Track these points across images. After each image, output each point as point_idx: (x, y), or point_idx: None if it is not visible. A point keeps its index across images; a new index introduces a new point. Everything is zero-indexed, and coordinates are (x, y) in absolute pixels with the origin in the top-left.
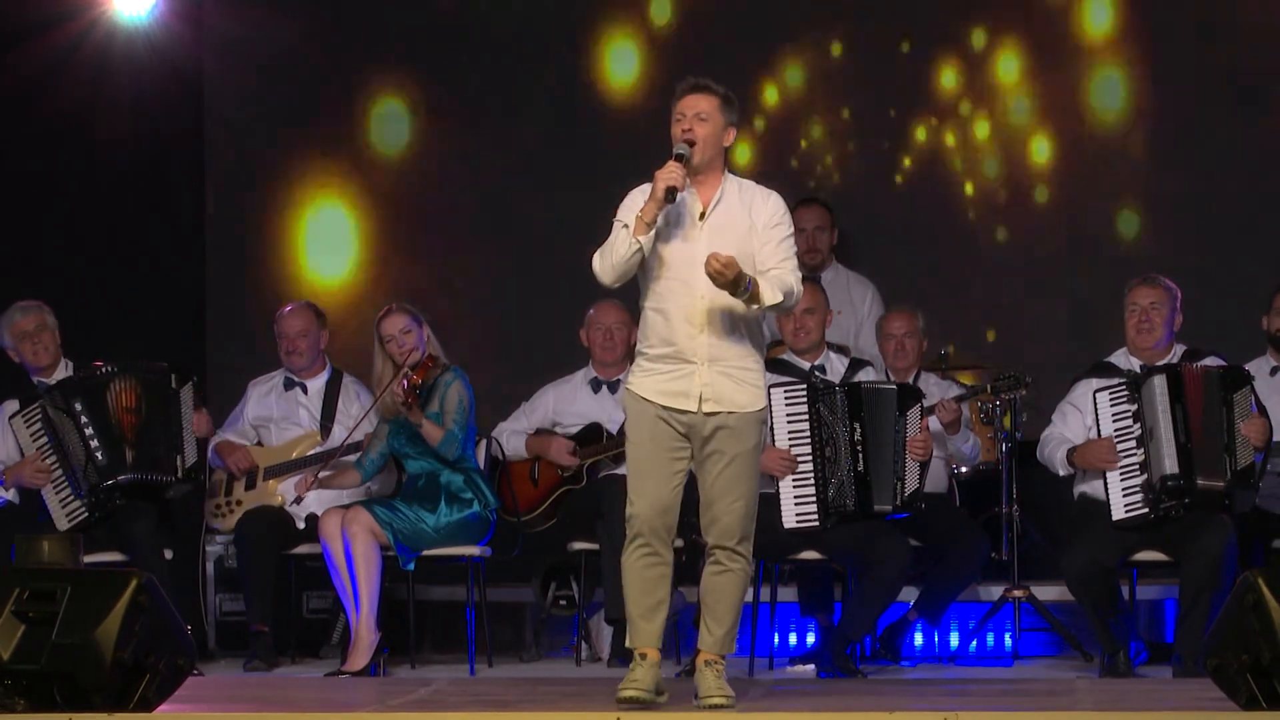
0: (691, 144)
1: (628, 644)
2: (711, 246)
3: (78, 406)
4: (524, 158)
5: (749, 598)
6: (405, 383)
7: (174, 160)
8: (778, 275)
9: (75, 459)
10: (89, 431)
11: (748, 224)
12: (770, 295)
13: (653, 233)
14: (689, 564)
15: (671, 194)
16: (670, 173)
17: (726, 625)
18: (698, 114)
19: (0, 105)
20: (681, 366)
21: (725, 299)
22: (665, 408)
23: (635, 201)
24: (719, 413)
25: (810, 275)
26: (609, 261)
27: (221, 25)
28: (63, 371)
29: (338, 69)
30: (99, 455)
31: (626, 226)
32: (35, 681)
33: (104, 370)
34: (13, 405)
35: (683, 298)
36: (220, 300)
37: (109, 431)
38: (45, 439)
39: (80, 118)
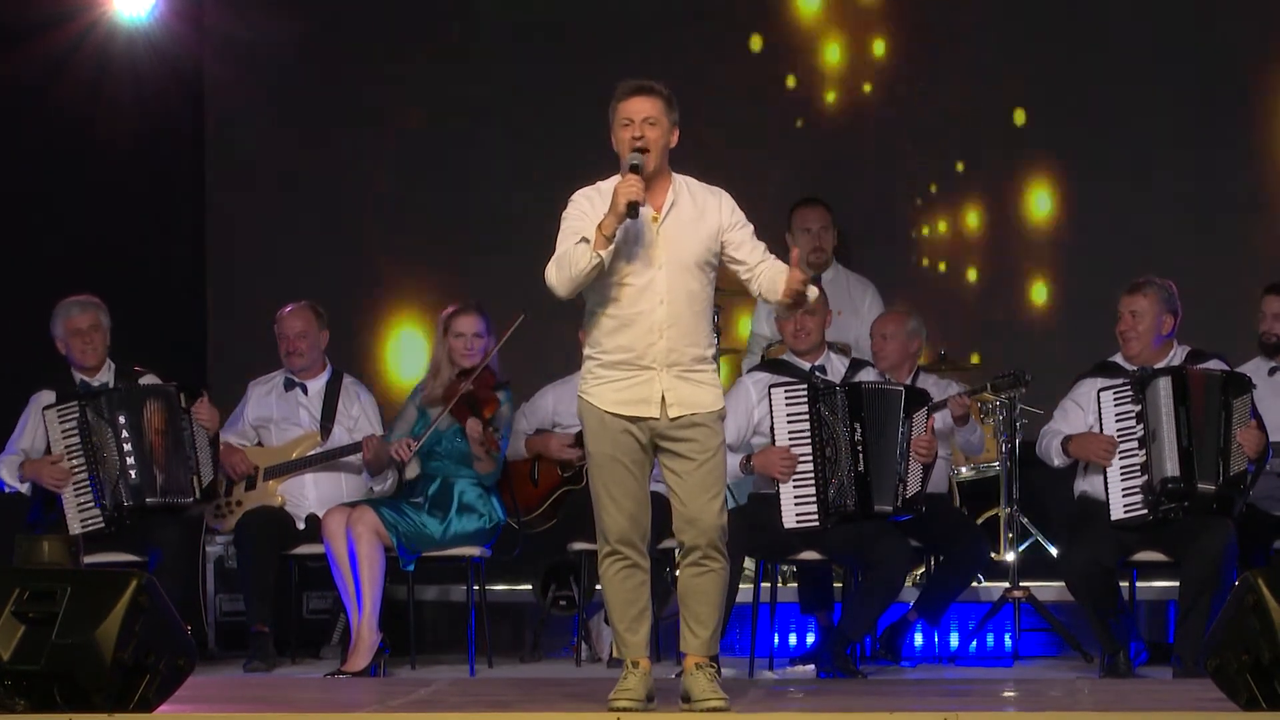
0: (645, 152)
1: (615, 655)
2: (669, 251)
3: (121, 420)
4: (527, 154)
5: (748, 598)
6: (482, 419)
7: (174, 160)
8: (776, 268)
9: (107, 470)
10: (127, 448)
11: (702, 226)
12: (811, 292)
13: (612, 246)
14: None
15: (634, 209)
16: (631, 187)
17: (711, 627)
18: (646, 118)
19: (0, 105)
20: (639, 373)
21: (682, 303)
22: (627, 418)
23: (583, 208)
24: (683, 415)
25: (812, 276)
26: (566, 274)
27: (222, 25)
28: (106, 373)
29: (338, 69)
30: (132, 473)
31: (586, 241)
32: (35, 681)
33: (144, 385)
34: (48, 396)
35: (642, 304)
36: (220, 300)
37: (144, 451)
38: (76, 439)
39: (80, 118)
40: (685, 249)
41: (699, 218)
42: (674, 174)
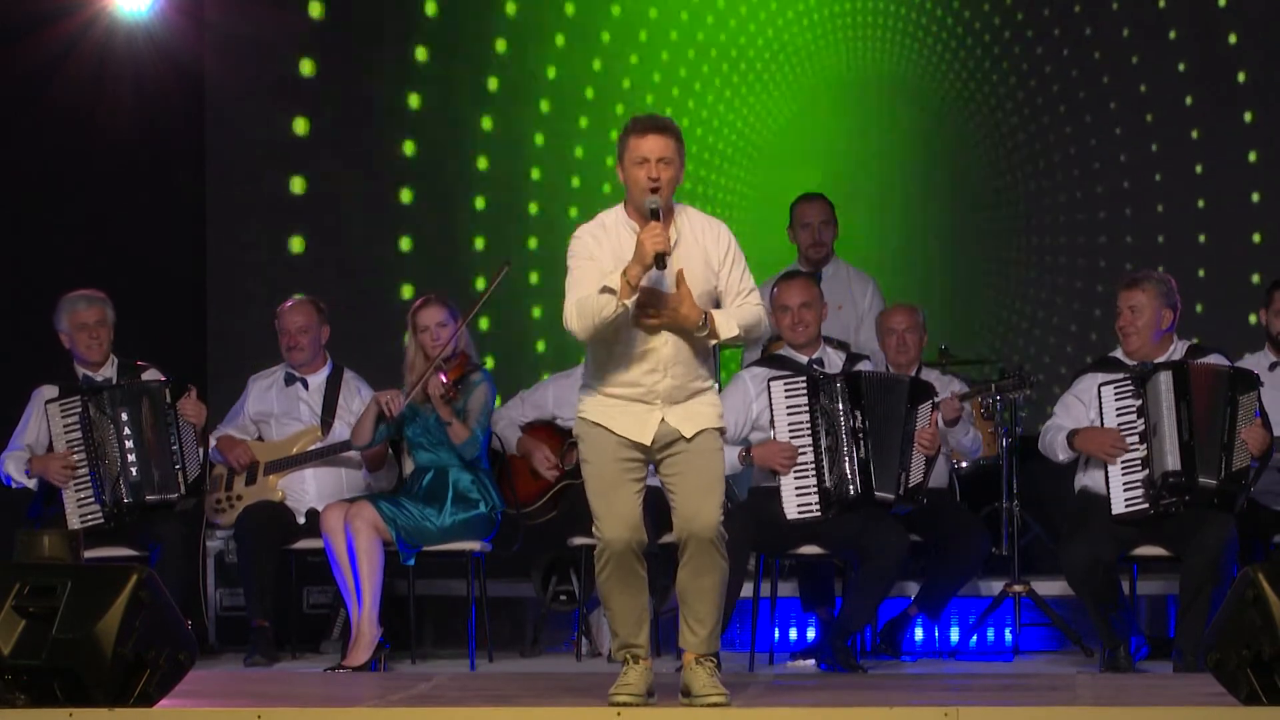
0: (656, 191)
1: (615, 656)
2: (673, 287)
3: (124, 417)
4: (525, 153)
5: (749, 593)
6: (444, 378)
7: (175, 156)
8: (740, 309)
9: (108, 466)
10: (129, 444)
11: (704, 263)
12: (726, 329)
13: (636, 295)
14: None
15: (661, 260)
16: (657, 236)
17: (710, 625)
18: (662, 158)
19: (1, 100)
20: (639, 405)
21: (686, 341)
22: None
23: (590, 247)
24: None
25: (812, 271)
26: (590, 323)
27: (223, 20)
28: (109, 368)
29: (339, 63)
30: (133, 470)
31: (610, 291)
32: (36, 676)
33: (141, 381)
34: (51, 391)
35: (648, 342)
36: (220, 294)
37: (143, 448)
38: (78, 434)
39: (81, 113)
40: (691, 283)
41: (701, 255)
42: (675, 206)
